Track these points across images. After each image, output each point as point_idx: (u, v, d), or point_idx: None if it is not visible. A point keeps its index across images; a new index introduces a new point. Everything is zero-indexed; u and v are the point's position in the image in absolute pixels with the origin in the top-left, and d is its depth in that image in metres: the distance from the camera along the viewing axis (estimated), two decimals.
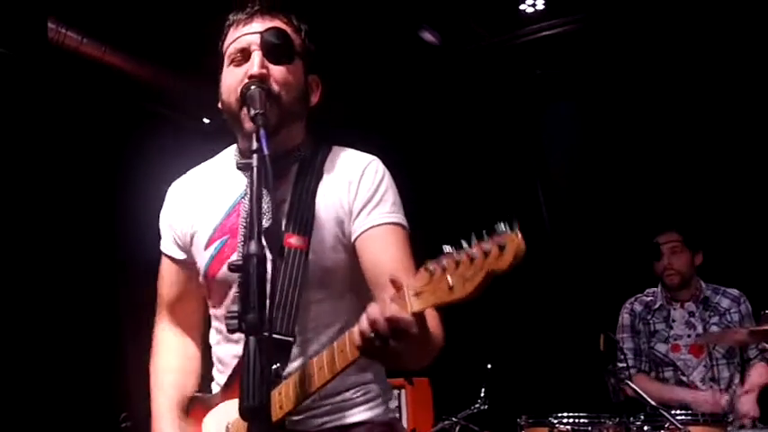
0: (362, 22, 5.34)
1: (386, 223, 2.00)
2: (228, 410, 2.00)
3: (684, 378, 4.37)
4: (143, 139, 5.58)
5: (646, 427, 3.72)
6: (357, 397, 2.04)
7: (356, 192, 2.01)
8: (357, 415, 2.03)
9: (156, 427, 2.16)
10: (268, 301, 1.55)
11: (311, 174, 2.05)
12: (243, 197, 2.05)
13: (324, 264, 1.99)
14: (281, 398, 1.82)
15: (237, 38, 2.02)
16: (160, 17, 4.91)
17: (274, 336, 1.83)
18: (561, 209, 6.29)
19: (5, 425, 4.49)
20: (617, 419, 3.77)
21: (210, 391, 2.17)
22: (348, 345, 1.67)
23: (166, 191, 2.28)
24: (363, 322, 1.58)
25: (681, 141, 5.78)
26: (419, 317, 1.56)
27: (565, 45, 5.75)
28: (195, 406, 2.15)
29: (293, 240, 1.95)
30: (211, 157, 2.28)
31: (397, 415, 2.21)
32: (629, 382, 3.90)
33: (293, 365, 1.94)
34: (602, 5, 5.44)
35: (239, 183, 2.08)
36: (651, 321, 4.53)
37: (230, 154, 2.18)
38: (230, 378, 2.05)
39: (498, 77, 6.17)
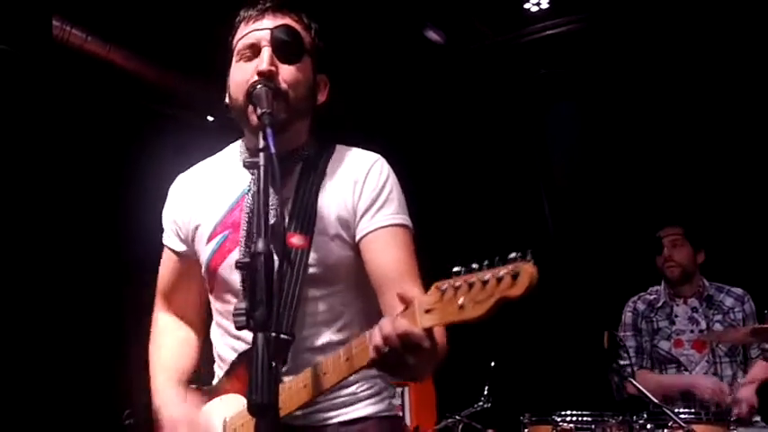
0: (367, 21, 5.34)
1: (390, 225, 2.00)
2: (227, 404, 2.01)
3: (687, 374, 4.37)
4: (146, 137, 5.58)
5: (649, 426, 3.72)
6: (361, 392, 2.05)
7: (361, 192, 2.02)
8: (361, 410, 2.04)
9: (157, 402, 2.17)
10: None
11: (315, 172, 2.06)
12: (246, 193, 2.05)
13: (325, 262, 1.99)
14: (283, 398, 1.82)
15: (247, 33, 2.02)
16: (163, 15, 4.91)
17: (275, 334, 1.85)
18: (564, 207, 6.30)
19: (9, 423, 4.50)
20: (620, 418, 3.78)
21: (211, 384, 2.17)
22: (354, 354, 1.70)
23: (168, 186, 2.29)
24: (377, 337, 1.61)
25: (684, 140, 5.78)
26: (428, 332, 1.58)
27: (569, 44, 5.76)
28: (193, 397, 2.15)
29: (295, 240, 1.96)
30: (215, 153, 2.28)
31: (400, 413, 2.22)
32: (633, 380, 3.91)
33: (293, 363, 1.95)
34: (607, 5, 5.44)
35: (243, 178, 2.08)
36: (654, 319, 4.53)
37: (235, 150, 2.19)
38: (230, 370, 2.06)
39: (502, 76, 6.18)
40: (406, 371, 1.64)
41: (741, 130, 5.61)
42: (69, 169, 5.10)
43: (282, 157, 1.87)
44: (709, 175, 5.65)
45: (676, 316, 4.49)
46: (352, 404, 2.04)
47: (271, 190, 1.72)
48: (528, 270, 1.40)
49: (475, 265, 1.48)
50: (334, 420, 2.02)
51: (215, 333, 2.19)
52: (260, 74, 1.94)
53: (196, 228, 2.13)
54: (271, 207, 1.80)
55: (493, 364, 4.45)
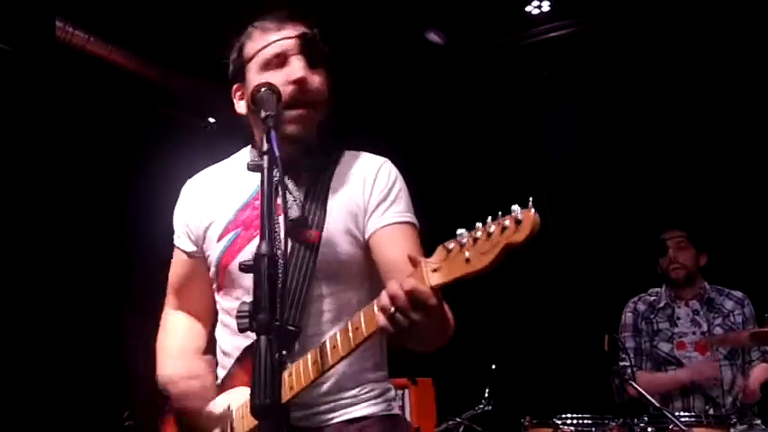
0: (368, 23, 5.35)
1: (399, 222, 2.05)
2: (232, 397, 2.03)
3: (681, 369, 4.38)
4: (147, 137, 5.59)
5: (650, 429, 3.73)
6: (362, 394, 2.07)
7: (371, 190, 2.07)
8: (359, 411, 2.06)
9: (163, 378, 2.17)
10: (279, 292, 1.58)
11: (325, 174, 2.11)
12: (258, 192, 2.07)
13: (335, 257, 2.03)
14: (292, 379, 1.85)
15: (271, 43, 2.05)
16: (165, 16, 4.92)
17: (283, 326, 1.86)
18: (565, 210, 6.30)
19: (8, 422, 4.51)
20: (621, 420, 3.78)
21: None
22: (363, 322, 1.71)
23: (171, 188, 2.31)
24: (384, 298, 1.63)
25: (683, 143, 5.79)
26: (436, 291, 1.60)
27: (570, 47, 5.76)
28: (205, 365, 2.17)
29: (305, 236, 2.00)
30: (216, 154, 2.31)
31: (400, 413, 2.22)
32: (633, 383, 3.91)
33: (300, 356, 1.94)
34: (608, 8, 5.45)
35: (254, 180, 2.09)
36: (654, 321, 4.53)
37: (245, 155, 2.23)
38: (232, 368, 2.09)
39: (503, 79, 6.18)
40: (414, 334, 1.63)
41: (740, 133, 5.61)
42: (71, 168, 5.11)
43: (294, 158, 1.99)
44: (709, 177, 5.65)
45: (678, 318, 4.49)
46: (352, 405, 2.05)
47: (280, 192, 1.73)
48: (530, 215, 1.45)
49: (479, 224, 1.52)
50: (335, 421, 2.04)
51: (220, 332, 2.21)
52: (295, 82, 2.00)
53: (207, 227, 2.17)
54: (288, 205, 1.87)
55: (494, 366, 4.46)
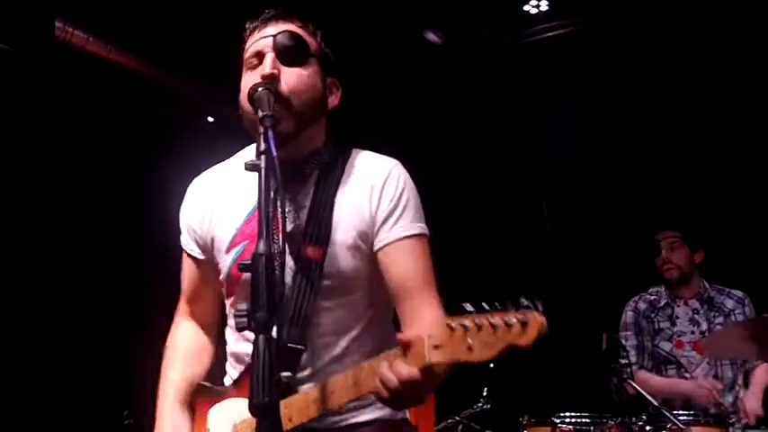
0: (366, 22, 5.34)
1: (408, 236, 2.01)
2: (236, 408, 2.02)
3: (687, 375, 4.37)
4: (147, 137, 5.60)
5: (648, 427, 3.74)
6: (369, 397, 2.06)
7: (378, 200, 2.02)
8: (366, 414, 2.05)
9: (159, 408, 2.18)
10: (281, 310, 1.61)
11: (331, 179, 2.06)
12: None
13: (339, 273, 2.00)
14: (291, 410, 1.85)
15: (253, 43, 2.05)
16: (164, 16, 4.93)
17: (287, 345, 1.89)
18: (564, 209, 6.30)
19: (10, 421, 4.51)
20: (619, 419, 3.79)
21: (223, 385, 2.19)
22: (362, 380, 1.73)
23: (171, 188, 2.31)
24: (376, 382, 1.67)
25: (682, 143, 5.79)
26: (432, 368, 1.62)
27: (569, 47, 5.76)
28: (202, 395, 2.17)
29: (309, 251, 1.97)
30: (216, 154, 2.29)
31: (408, 416, 2.23)
32: (632, 382, 3.92)
33: (306, 372, 1.97)
34: (606, 7, 5.45)
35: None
36: (655, 320, 4.54)
37: (249, 154, 2.16)
38: (242, 375, 2.08)
39: (502, 78, 6.18)
40: (408, 405, 1.74)
41: (739, 133, 5.61)
42: (70, 168, 5.12)
43: (298, 163, 1.95)
44: (707, 177, 5.65)
45: (677, 317, 4.50)
46: (361, 408, 2.05)
47: (287, 196, 1.73)
48: (537, 320, 1.44)
49: (486, 307, 1.52)
50: (343, 424, 2.03)
51: (230, 336, 2.20)
52: (263, 77, 1.95)
53: (214, 237, 2.14)
54: (285, 214, 1.84)
55: (492, 365, 4.46)
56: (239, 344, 2.13)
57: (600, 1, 5.47)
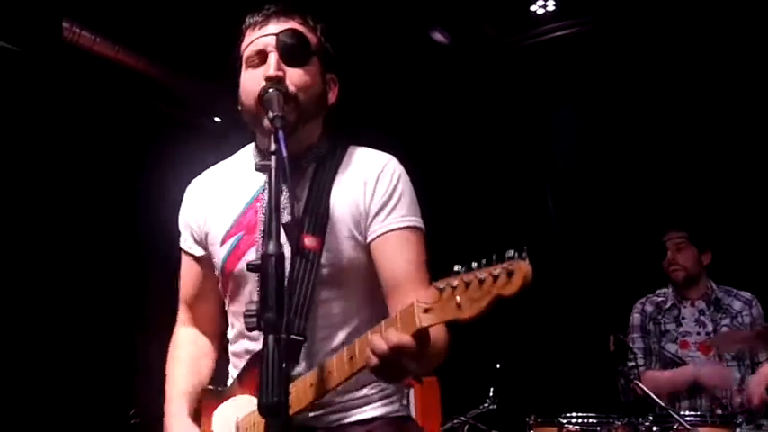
0: (373, 22, 5.35)
1: (401, 227, 2.01)
2: (239, 405, 2.02)
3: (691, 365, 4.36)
4: (154, 138, 5.61)
5: (655, 428, 3.73)
6: (372, 394, 2.06)
7: (372, 193, 2.02)
8: (371, 411, 2.05)
9: (167, 414, 2.17)
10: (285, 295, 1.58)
11: (327, 173, 2.06)
12: (260, 194, 2.06)
13: (337, 263, 2.00)
14: (292, 397, 1.82)
15: (254, 40, 2.03)
16: (171, 17, 4.94)
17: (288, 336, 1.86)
18: (570, 209, 6.30)
19: (16, 421, 4.52)
20: (626, 420, 3.79)
21: (225, 386, 2.19)
22: (357, 353, 1.72)
23: (177, 188, 2.29)
24: (368, 353, 1.65)
25: (687, 143, 5.78)
26: (422, 332, 1.61)
27: (575, 47, 5.76)
28: (207, 398, 2.17)
29: (307, 241, 1.97)
30: (222, 154, 2.29)
31: (412, 413, 2.23)
32: (638, 383, 3.91)
33: (303, 365, 1.96)
34: (613, 8, 5.45)
35: (256, 181, 2.10)
36: (662, 321, 4.53)
37: (248, 153, 2.20)
38: (243, 372, 2.08)
39: (508, 78, 6.18)
40: (405, 375, 1.67)
41: (744, 133, 5.61)
42: (78, 169, 5.13)
43: (295, 157, 1.91)
44: (713, 177, 5.65)
45: (683, 318, 4.49)
46: (364, 405, 2.05)
47: (284, 191, 1.73)
48: (522, 268, 1.43)
49: (474, 265, 1.51)
50: (345, 421, 2.03)
51: (230, 333, 2.21)
52: (268, 79, 1.95)
53: (209, 231, 2.15)
54: (283, 207, 1.81)
55: (499, 365, 4.46)
56: (239, 342, 2.14)
57: (606, 1, 5.47)
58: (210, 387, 2.22)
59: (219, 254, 2.11)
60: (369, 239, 2.01)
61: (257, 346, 1.98)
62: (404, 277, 1.95)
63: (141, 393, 4.87)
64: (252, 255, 2.00)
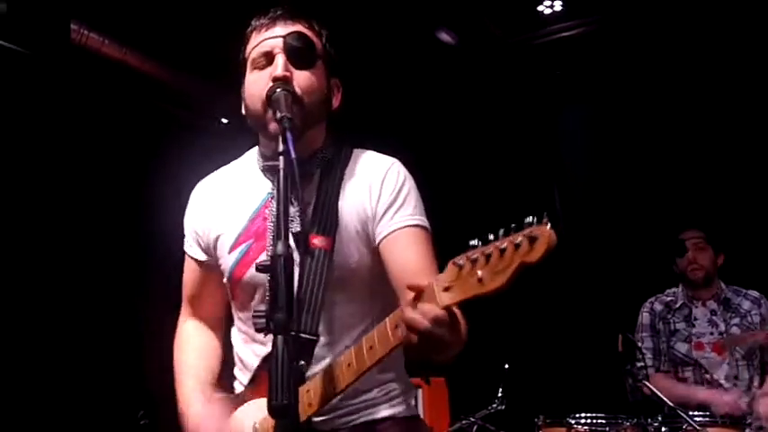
0: (379, 22, 5.35)
1: (408, 226, 2.00)
2: (255, 409, 2.01)
3: (708, 376, 4.33)
4: (161, 139, 5.62)
5: (663, 429, 3.72)
6: (380, 396, 2.06)
7: (378, 194, 2.03)
8: (381, 412, 2.05)
9: (186, 410, 2.17)
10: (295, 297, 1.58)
11: (334, 177, 2.07)
12: (268, 200, 2.06)
13: (347, 265, 2.00)
14: (310, 395, 1.85)
15: (260, 42, 2.03)
16: (178, 19, 4.95)
17: (300, 335, 1.86)
18: (578, 209, 6.29)
19: (25, 422, 4.54)
20: (634, 420, 3.78)
21: (233, 391, 2.19)
22: (377, 341, 1.69)
23: (185, 190, 2.29)
24: (409, 333, 1.59)
25: (695, 142, 5.77)
26: (449, 310, 1.56)
27: (582, 46, 5.75)
28: (221, 405, 2.15)
29: (317, 241, 1.97)
30: (229, 156, 2.29)
31: (420, 414, 2.22)
32: (647, 383, 3.90)
33: (317, 365, 1.96)
34: (620, 7, 5.43)
35: (263, 186, 2.10)
36: (671, 321, 4.52)
37: (252, 157, 2.20)
38: (254, 377, 2.07)
39: (515, 78, 6.17)
40: (444, 349, 1.62)
41: (751, 132, 5.59)
42: (85, 170, 5.14)
43: (301, 162, 1.88)
44: (723, 177, 5.63)
45: (696, 318, 4.47)
46: (372, 407, 2.05)
47: (291, 196, 1.72)
48: (545, 232, 1.38)
49: (491, 236, 1.46)
50: (354, 423, 2.03)
51: (236, 338, 2.20)
52: (275, 79, 1.95)
53: (217, 237, 2.15)
54: (291, 216, 1.80)
55: (507, 366, 4.45)
56: (247, 347, 2.14)
57: (613, 1, 5.45)
58: (222, 395, 2.20)
59: (228, 261, 2.11)
60: (377, 241, 2.01)
61: (267, 350, 1.99)
62: (415, 273, 1.91)
63: (150, 395, 4.89)
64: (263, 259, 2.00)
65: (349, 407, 2.02)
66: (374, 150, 2.17)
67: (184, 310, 2.35)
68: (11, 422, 4.43)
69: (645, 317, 4.60)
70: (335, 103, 2.14)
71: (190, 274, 2.30)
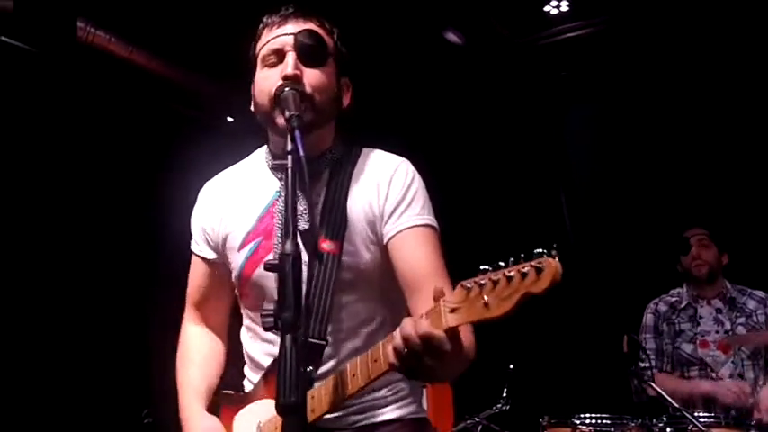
0: (386, 22, 5.35)
1: (417, 225, 2.00)
2: (261, 409, 2.02)
3: (713, 375, 4.33)
4: (169, 138, 5.63)
5: (668, 429, 3.71)
6: (389, 396, 2.06)
7: (386, 194, 2.02)
8: (389, 413, 2.05)
9: (185, 417, 2.17)
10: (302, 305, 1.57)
11: (343, 176, 2.06)
12: (276, 198, 2.06)
13: (356, 266, 2.00)
14: (314, 402, 1.85)
15: (271, 39, 2.03)
16: (185, 17, 4.95)
17: (309, 339, 1.86)
18: (583, 210, 6.29)
19: (29, 420, 4.55)
20: (639, 421, 3.78)
21: (243, 389, 2.19)
22: (382, 355, 1.70)
23: (192, 189, 2.30)
24: (397, 338, 1.60)
25: (702, 142, 5.76)
26: (452, 332, 1.57)
27: (589, 47, 5.75)
28: (227, 403, 2.17)
29: (326, 245, 1.96)
30: (235, 154, 2.30)
31: (427, 416, 2.22)
32: (652, 384, 3.90)
33: (325, 368, 1.97)
34: (627, 7, 5.43)
35: (271, 184, 2.10)
36: (676, 321, 4.51)
37: (261, 156, 2.19)
38: (264, 377, 2.07)
39: (522, 79, 6.17)
40: (426, 374, 1.62)
41: (757, 132, 5.58)
42: (92, 169, 5.15)
43: (310, 162, 1.87)
44: (728, 176, 5.62)
45: (701, 317, 4.47)
46: (380, 407, 2.05)
47: (300, 194, 1.72)
48: (552, 264, 1.41)
49: (501, 263, 1.48)
50: (362, 423, 2.03)
51: (245, 336, 2.20)
52: (286, 78, 1.95)
53: (226, 236, 2.14)
54: (299, 215, 1.80)
55: (512, 366, 4.45)
56: (257, 345, 2.14)
57: (619, 2, 5.45)
58: (230, 392, 2.21)
59: (237, 259, 2.10)
60: (385, 240, 2.01)
61: (277, 349, 1.99)
62: (424, 273, 1.93)
63: (154, 393, 4.90)
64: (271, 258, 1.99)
65: (357, 406, 2.02)
66: (381, 149, 2.17)
67: (188, 314, 2.35)
68: (16, 420, 4.45)
69: (648, 318, 4.61)
70: (345, 102, 2.14)
71: (196, 275, 2.29)
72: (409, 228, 1.99)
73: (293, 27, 2.03)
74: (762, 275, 4.76)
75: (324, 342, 1.94)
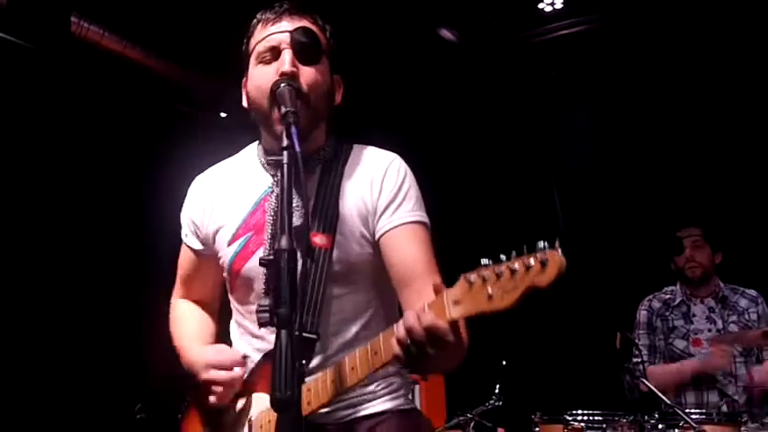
0: (381, 19, 5.35)
1: (409, 222, 2.02)
2: (252, 404, 2.03)
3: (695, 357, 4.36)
4: (160, 132, 5.62)
5: (660, 426, 3.73)
6: (380, 389, 2.08)
7: (379, 190, 2.04)
8: (380, 405, 2.07)
9: (190, 355, 2.18)
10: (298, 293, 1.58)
11: (335, 173, 2.08)
12: (268, 194, 2.08)
13: (347, 261, 2.02)
14: (310, 395, 1.86)
15: (267, 36, 2.03)
16: (178, 12, 4.95)
17: (302, 334, 1.87)
18: (576, 207, 6.30)
19: (22, 417, 4.54)
20: (631, 417, 3.79)
21: None
22: (383, 347, 1.70)
23: (185, 184, 2.31)
24: (401, 330, 1.61)
25: (696, 141, 5.77)
26: (454, 324, 1.58)
27: (583, 44, 5.75)
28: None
29: (317, 239, 1.98)
30: (229, 149, 2.30)
31: (418, 407, 2.23)
32: (644, 380, 3.91)
33: (315, 361, 1.98)
34: (621, 5, 5.44)
35: (263, 180, 2.11)
36: (669, 318, 4.53)
37: (252, 152, 2.20)
38: (253, 371, 2.08)
39: (516, 76, 6.18)
40: (429, 365, 1.63)
41: (758, 130, 5.59)
42: (85, 163, 5.14)
43: (304, 158, 1.90)
44: (722, 175, 5.63)
45: (694, 315, 4.49)
46: (371, 401, 2.07)
47: (293, 190, 1.73)
48: (556, 258, 1.42)
49: (503, 257, 1.49)
50: (354, 416, 2.05)
51: (234, 332, 2.22)
52: (282, 74, 1.95)
53: (217, 230, 2.16)
54: (294, 208, 1.81)
55: (504, 362, 4.46)
56: (246, 340, 2.15)
57: None
58: None
59: (228, 253, 2.12)
60: (377, 236, 2.03)
61: (265, 344, 2.01)
62: (416, 269, 1.96)
63: (147, 389, 4.89)
64: (261, 254, 2.01)
65: (349, 400, 2.03)
66: (375, 147, 2.18)
67: (177, 291, 2.39)
68: (9, 416, 4.44)
69: (642, 314, 4.62)
70: (338, 99, 2.15)
71: (185, 261, 2.33)
72: (402, 224, 2.02)
73: (288, 24, 2.04)
74: (754, 274, 4.79)
75: (316, 336, 1.95)
